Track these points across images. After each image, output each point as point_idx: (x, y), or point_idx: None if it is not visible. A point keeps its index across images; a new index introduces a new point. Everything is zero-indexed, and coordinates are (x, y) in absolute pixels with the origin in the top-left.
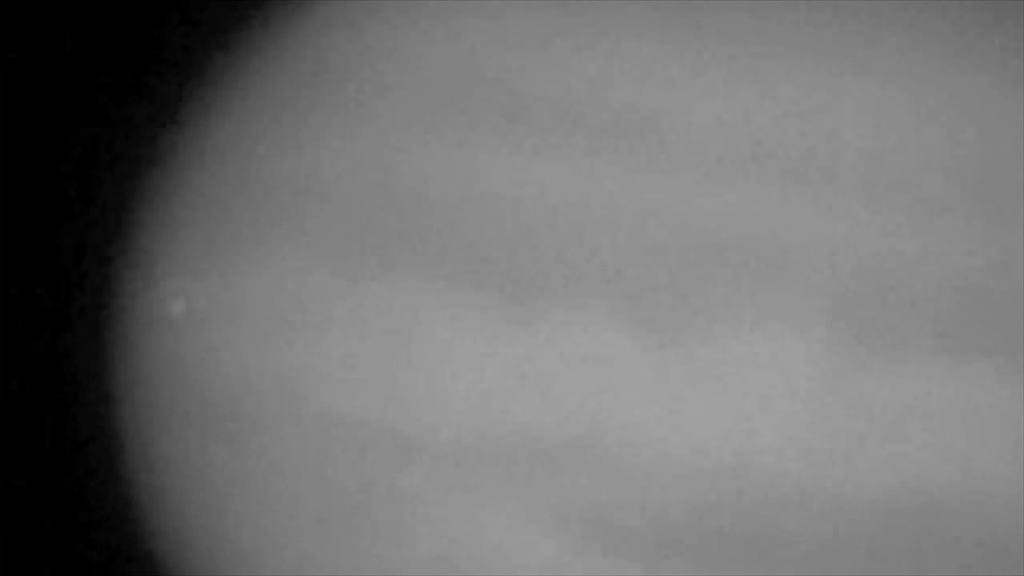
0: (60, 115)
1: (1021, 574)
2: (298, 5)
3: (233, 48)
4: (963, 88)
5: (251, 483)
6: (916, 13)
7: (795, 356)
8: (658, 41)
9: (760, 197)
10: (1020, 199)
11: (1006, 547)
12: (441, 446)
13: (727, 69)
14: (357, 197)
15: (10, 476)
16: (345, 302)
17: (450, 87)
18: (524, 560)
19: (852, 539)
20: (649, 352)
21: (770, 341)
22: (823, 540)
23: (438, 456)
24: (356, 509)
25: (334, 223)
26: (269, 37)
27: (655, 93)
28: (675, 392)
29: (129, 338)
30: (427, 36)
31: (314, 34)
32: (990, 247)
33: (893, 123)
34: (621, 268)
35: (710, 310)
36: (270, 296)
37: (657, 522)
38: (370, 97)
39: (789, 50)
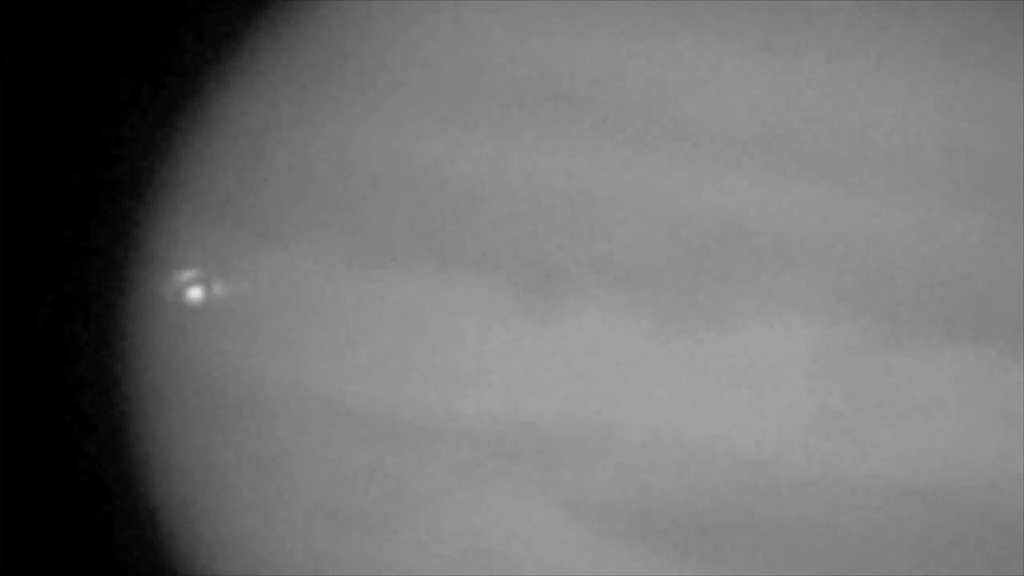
0: (75, 107)
1: None
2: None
3: (250, 41)
4: (974, 80)
5: (265, 473)
6: (930, 6)
7: (808, 345)
8: (673, 31)
9: (774, 187)
10: None
11: (1017, 532)
12: (459, 437)
13: (741, 59)
14: (373, 187)
15: (20, 468)
16: (361, 292)
17: (468, 79)
18: (542, 550)
19: (865, 526)
20: (664, 341)
21: (784, 330)
22: (837, 527)
23: (456, 447)
24: (373, 500)
25: (350, 213)
26: (284, 30)
27: (671, 84)
28: (689, 382)
29: (143, 328)
30: (444, 28)
31: (330, 27)
32: (1000, 237)
33: (904, 114)
34: (636, 257)
35: (724, 299)
36: (286, 286)
37: (674, 511)
38: (389, 89)
39: (801, 40)
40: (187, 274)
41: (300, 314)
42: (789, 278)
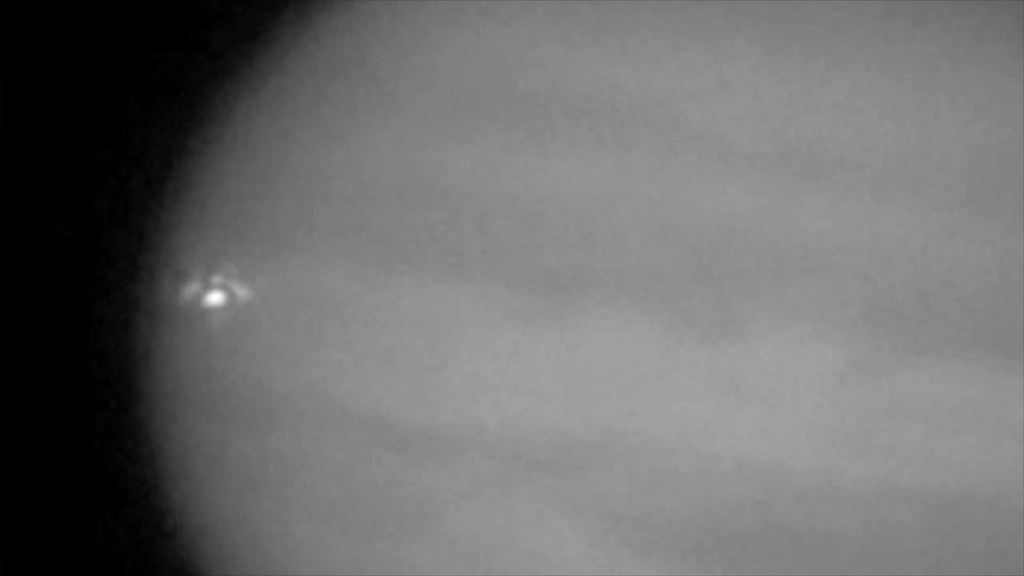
0: (95, 114)
1: None
2: (325, 6)
3: (268, 50)
4: (987, 88)
5: (280, 480)
6: (941, 12)
7: (820, 355)
8: (685, 41)
9: (786, 197)
10: None
11: None
12: (474, 445)
13: (750, 68)
14: (388, 196)
15: (36, 470)
16: (376, 300)
17: (480, 90)
18: (556, 558)
19: (877, 536)
20: (678, 351)
21: (796, 340)
22: (849, 537)
23: (471, 455)
24: (387, 507)
25: (365, 221)
26: (301, 40)
27: (685, 93)
28: (702, 391)
29: (161, 334)
30: (456, 40)
31: (346, 38)
32: (1014, 249)
33: (915, 124)
34: (652, 266)
35: (737, 309)
36: (302, 293)
37: (687, 520)
38: (403, 100)
39: (812, 49)
40: (203, 281)
41: (316, 321)
42: (801, 289)
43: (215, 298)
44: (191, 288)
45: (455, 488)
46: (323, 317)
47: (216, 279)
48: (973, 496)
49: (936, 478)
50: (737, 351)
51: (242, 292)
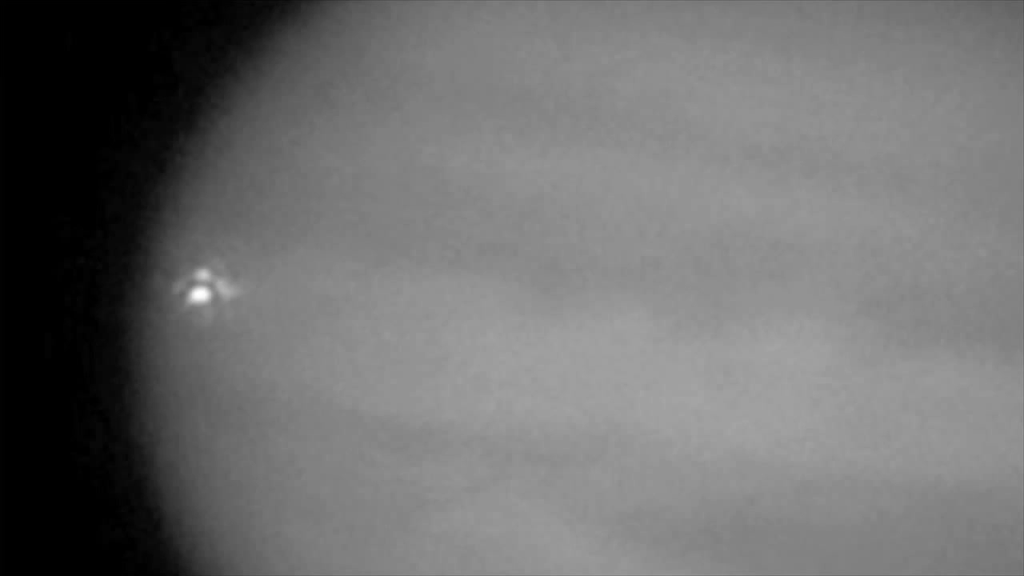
0: (85, 107)
1: None
2: (323, 4)
3: (262, 43)
4: (986, 87)
5: (275, 478)
6: (942, 12)
7: (819, 349)
8: (686, 36)
9: (785, 192)
10: None
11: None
12: (471, 441)
13: (751, 64)
14: (383, 191)
15: (25, 471)
16: (370, 296)
17: (477, 83)
18: (555, 554)
19: (878, 529)
20: (676, 346)
21: (794, 334)
22: (850, 530)
23: (468, 451)
24: (384, 505)
25: (360, 216)
26: (295, 35)
27: (685, 88)
28: (701, 386)
29: (152, 331)
30: (453, 33)
31: (340, 32)
32: (1015, 245)
33: (915, 120)
34: (649, 261)
35: (736, 303)
36: (297, 289)
37: (685, 515)
38: (398, 94)
39: (812, 46)
40: (196, 277)
41: (311, 318)
42: (800, 283)
43: (208, 296)
44: (183, 286)
45: (452, 484)
46: (318, 314)
47: (209, 276)
48: (971, 488)
49: (934, 470)
50: (735, 345)
51: (237, 289)
